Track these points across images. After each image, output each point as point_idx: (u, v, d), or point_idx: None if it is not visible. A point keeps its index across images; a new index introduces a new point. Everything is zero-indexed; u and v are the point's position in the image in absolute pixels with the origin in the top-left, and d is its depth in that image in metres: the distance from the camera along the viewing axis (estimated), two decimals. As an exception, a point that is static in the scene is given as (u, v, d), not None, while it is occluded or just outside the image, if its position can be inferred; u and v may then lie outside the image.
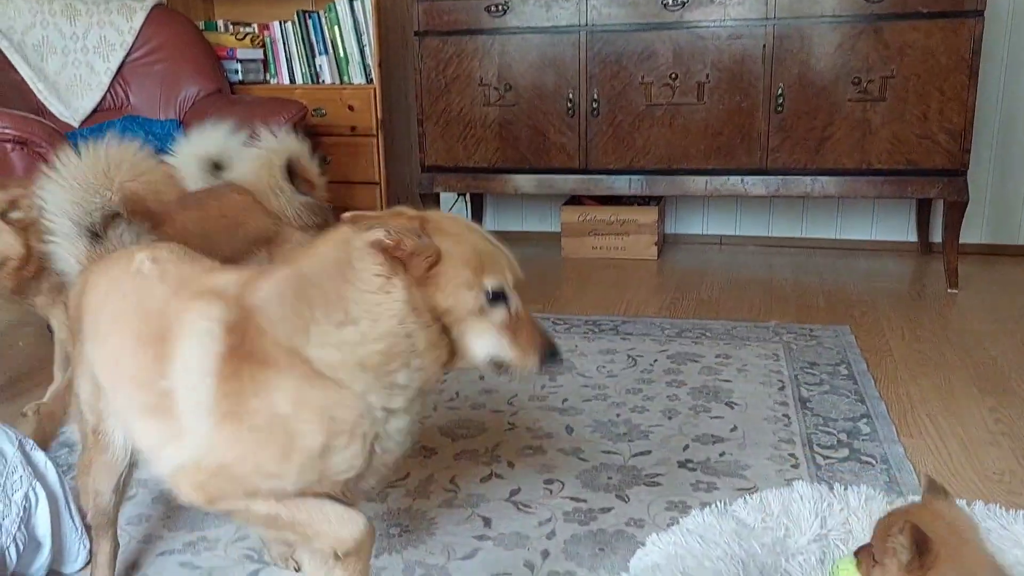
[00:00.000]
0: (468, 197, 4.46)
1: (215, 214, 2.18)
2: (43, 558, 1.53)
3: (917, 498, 1.52)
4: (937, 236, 3.78)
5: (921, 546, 1.15)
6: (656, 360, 2.74)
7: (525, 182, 3.78)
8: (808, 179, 3.46)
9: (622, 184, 3.67)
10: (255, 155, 2.31)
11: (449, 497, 1.92)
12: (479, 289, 1.13)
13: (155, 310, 1.26)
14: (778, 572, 1.32)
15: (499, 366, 1.18)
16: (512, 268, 1.18)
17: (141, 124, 3.53)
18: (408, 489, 1.96)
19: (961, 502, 1.39)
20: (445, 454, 2.13)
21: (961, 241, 3.46)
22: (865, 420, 2.25)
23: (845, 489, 1.48)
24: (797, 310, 3.24)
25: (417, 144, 3.87)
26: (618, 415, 2.34)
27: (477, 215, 4.51)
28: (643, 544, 1.39)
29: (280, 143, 2.33)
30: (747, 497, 1.46)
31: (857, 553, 1.30)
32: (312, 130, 4.01)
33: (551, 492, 1.93)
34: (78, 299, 1.43)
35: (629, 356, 2.78)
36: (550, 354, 1.19)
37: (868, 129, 3.35)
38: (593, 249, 4.10)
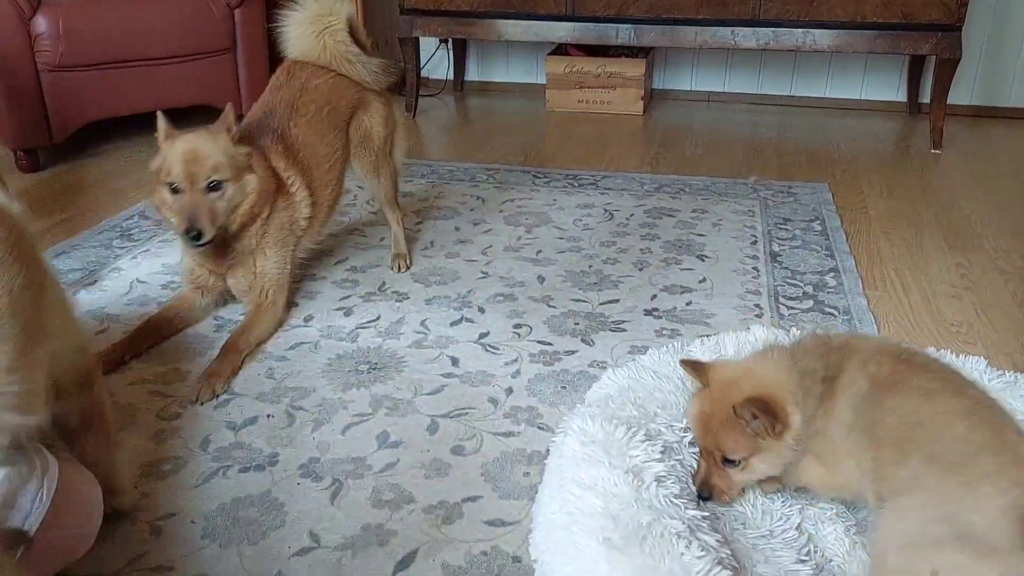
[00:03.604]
0: (450, 44, 4.30)
1: (319, 113, 2.14)
2: None
3: None
4: (927, 97, 3.70)
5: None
6: (633, 214, 2.73)
7: (510, 28, 3.64)
8: (800, 32, 3.34)
9: (610, 33, 3.54)
10: (308, 26, 2.17)
11: (419, 339, 1.96)
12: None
13: None
14: (727, 407, 1.37)
15: None
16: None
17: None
18: (378, 330, 1.99)
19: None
20: (417, 298, 2.16)
21: (950, 102, 3.40)
22: (832, 274, 2.28)
23: (801, 332, 1.51)
24: (779, 168, 3.21)
25: (397, -15, 3.69)
26: (590, 266, 2.35)
27: (460, 63, 4.37)
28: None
29: (329, 6, 2.17)
30: (703, 339, 1.49)
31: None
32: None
33: (519, 336, 1.97)
34: None
35: (606, 210, 2.77)
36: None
37: (865, -21, 3.21)
38: (579, 103, 4.01)
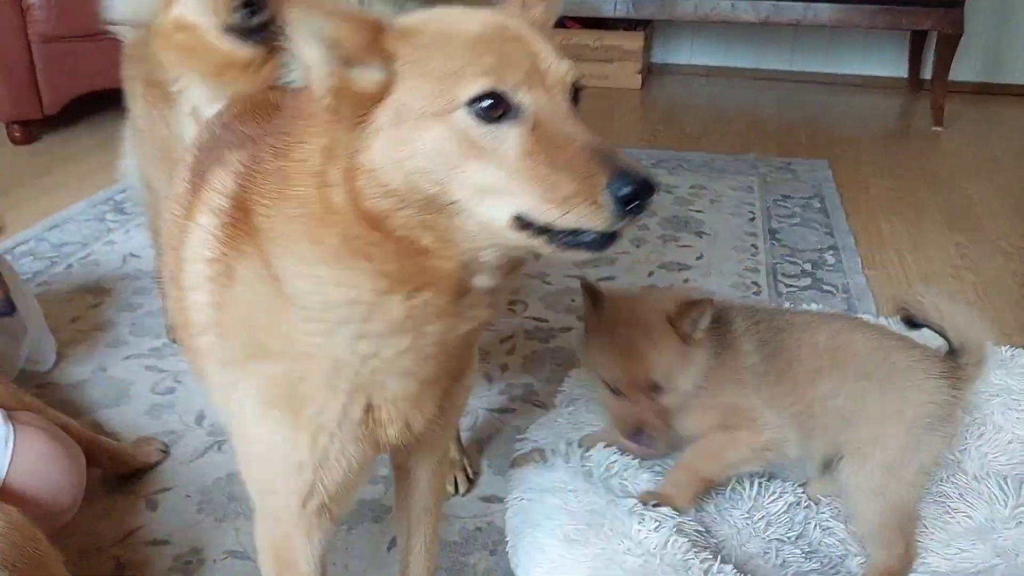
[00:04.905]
0: (448, 17, 4.25)
1: None
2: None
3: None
4: (929, 72, 3.66)
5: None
6: (631, 189, 2.71)
7: None
8: (800, 5, 3.30)
9: (607, 5, 3.50)
10: None
11: (415, 314, 1.95)
12: (455, 105, 0.65)
13: None
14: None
15: (539, 231, 0.66)
16: (542, 61, 0.69)
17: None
18: (374, 305, 1.98)
19: None
20: (413, 274, 2.15)
21: (953, 78, 3.37)
22: (832, 252, 2.26)
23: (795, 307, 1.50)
24: (778, 144, 3.18)
25: (393, -44, 3.64)
26: (588, 241, 2.34)
27: (457, 37, 4.32)
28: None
29: None
30: (700, 315, 1.48)
31: None
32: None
33: (514, 312, 1.96)
34: None
35: (604, 185, 2.75)
36: (630, 191, 0.64)
37: (869, -48, 3.17)
38: (576, 77, 3.97)
